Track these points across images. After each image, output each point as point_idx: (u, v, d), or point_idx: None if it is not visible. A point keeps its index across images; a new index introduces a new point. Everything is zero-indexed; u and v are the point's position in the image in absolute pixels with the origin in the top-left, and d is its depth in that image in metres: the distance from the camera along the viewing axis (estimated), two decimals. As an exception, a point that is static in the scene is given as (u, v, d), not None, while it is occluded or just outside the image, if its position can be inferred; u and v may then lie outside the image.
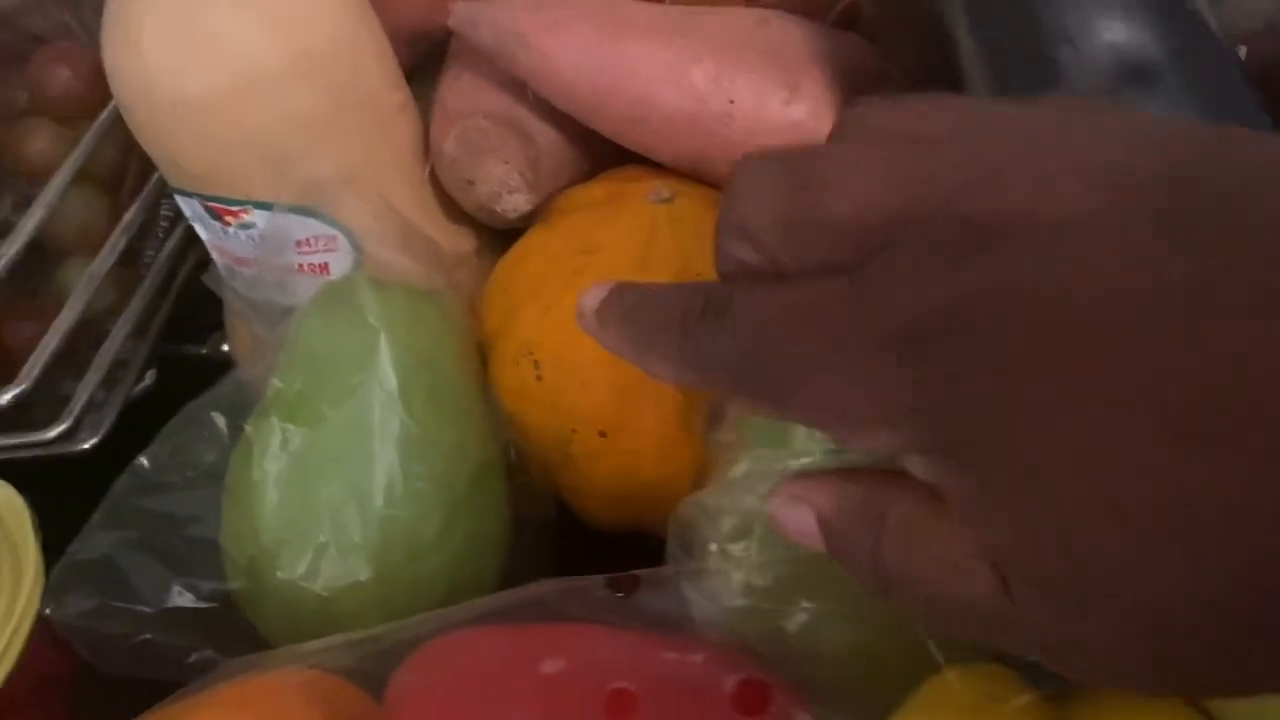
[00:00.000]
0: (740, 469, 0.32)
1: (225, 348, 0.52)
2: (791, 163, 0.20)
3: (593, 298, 0.24)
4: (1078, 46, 0.27)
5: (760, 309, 0.20)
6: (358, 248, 0.38)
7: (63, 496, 0.38)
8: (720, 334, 0.20)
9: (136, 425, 0.45)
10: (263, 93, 0.33)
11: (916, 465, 0.19)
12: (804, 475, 0.22)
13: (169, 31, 0.32)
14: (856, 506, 0.20)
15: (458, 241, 0.42)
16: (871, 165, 0.19)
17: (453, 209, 0.41)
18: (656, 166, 0.38)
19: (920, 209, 0.18)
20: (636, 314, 0.23)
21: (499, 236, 0.43)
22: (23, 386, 0.34)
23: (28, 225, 0.34)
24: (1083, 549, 0.15)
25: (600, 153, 0.41)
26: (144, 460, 0.35)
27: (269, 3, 0.32)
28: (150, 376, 0.44)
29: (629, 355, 0.23)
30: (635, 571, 0.28)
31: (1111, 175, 0.17)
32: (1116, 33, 0.27)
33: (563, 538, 0.38)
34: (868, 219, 0.18)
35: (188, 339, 0.50)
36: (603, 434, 0.34)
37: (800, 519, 0.21)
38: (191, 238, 0.46)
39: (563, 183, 0.40)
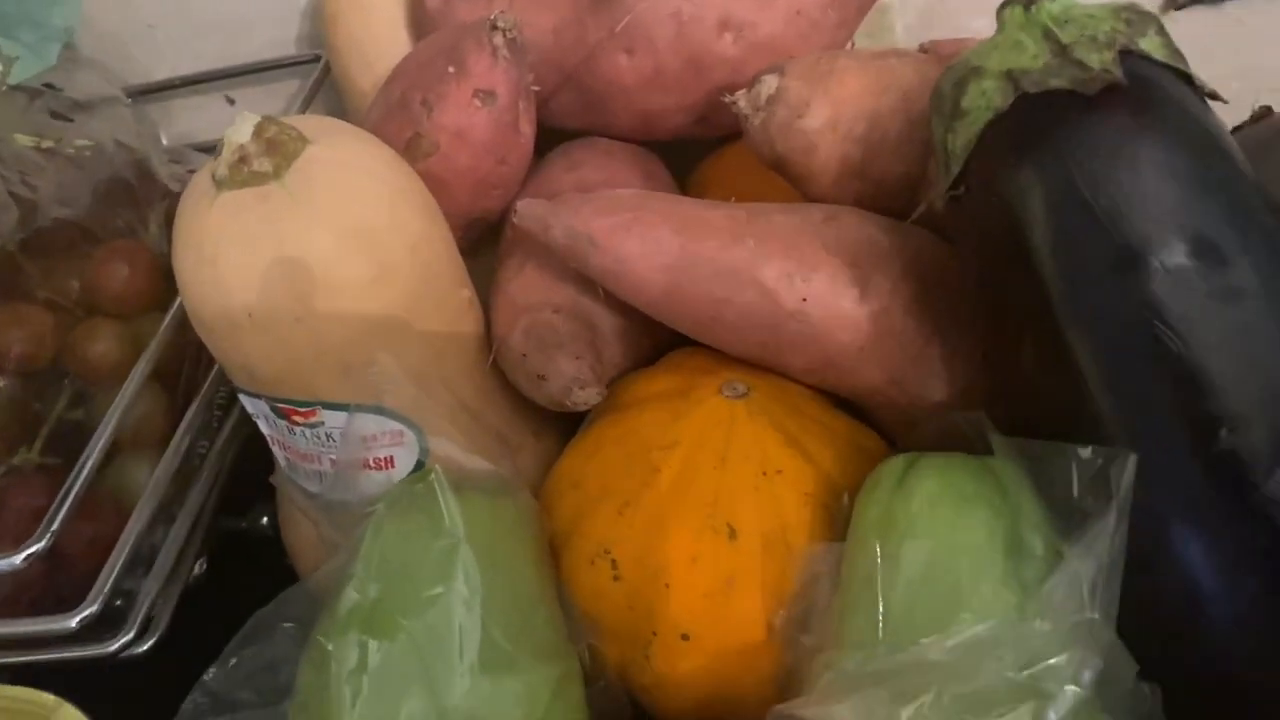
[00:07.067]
0: (827, 677, 0.31)
1: (264, 521, 0.51)
2: None
3: None
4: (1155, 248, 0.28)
5: None
6: (424, 441, 0.37)
7: (105, 694, 0.37)
8: None
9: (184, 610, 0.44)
10: (342, 305, 0.33)
11: None
12: None
13: (248, 249, 0.32)
14: None
15: (516, 426, 0.42)
16: None
17: (511, 394, 0.41)
18: (718, 353, 0.38)
19: None
20: None
21: (554, 417, 0.43)
22: (92, 609, 0.33)
23: (101, 438, 0.33)
24: None
25: (659, 337, 0.41)
26: (212, 676, 0.33)
27: (351, 219, 0.33)
28: (201, 565, 0.43)
29: None
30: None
31: None
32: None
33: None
34: None
35: (226, 510, 0.49)
36: (685, 637, 0.33)
37: None
38: (240, 422, 0.46)
39: (623, 367, 0.40)
